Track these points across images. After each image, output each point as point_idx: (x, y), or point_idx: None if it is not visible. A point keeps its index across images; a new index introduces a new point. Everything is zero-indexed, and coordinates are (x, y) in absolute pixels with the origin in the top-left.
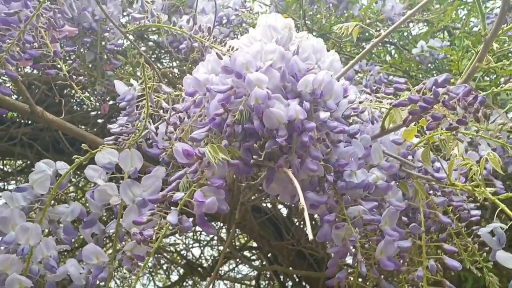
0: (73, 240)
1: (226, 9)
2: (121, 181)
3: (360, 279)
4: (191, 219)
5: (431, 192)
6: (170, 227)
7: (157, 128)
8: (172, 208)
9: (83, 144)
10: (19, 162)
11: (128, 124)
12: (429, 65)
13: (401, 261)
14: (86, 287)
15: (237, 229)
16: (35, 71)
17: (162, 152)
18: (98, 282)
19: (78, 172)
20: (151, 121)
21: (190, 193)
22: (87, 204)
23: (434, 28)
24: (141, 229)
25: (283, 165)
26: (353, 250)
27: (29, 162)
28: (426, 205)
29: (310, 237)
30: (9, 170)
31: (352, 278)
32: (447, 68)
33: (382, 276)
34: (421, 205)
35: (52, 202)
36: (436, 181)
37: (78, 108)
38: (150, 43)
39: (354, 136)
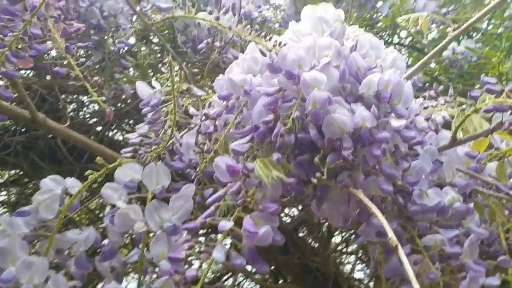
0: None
1: (248, 6)
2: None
3: None
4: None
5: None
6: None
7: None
8: (215, 238)
9: (98, 158)
10: (12, 172)
11: (151, 134)
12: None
13: None
14: None
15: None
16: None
17: (188, 166)
18: None
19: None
20: (176, 129)
21: (235, 219)
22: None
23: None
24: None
25: (350, 184)
26: None
27: (22, 172)
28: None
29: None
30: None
31: None
32: (483, 71)
33: None
34: (500, 231)
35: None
36: None
37: (73, 114)
38: (154, 47)
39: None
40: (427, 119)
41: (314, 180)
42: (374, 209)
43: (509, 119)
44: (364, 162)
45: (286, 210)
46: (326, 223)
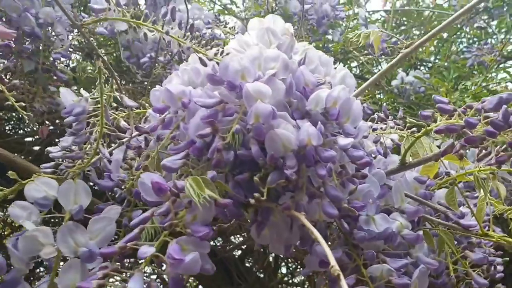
0: None
1: (197, 21)
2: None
3: None
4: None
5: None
6: None
7: (111, 154)
8: (135, 266)
9: (10, 172)
10: None
11: (74, 147)
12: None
13: None
14: None
15: None
16: None
17: (116, 185)
18: None
19: (7, 206)
20: (104, 144)
21: (160, 245)
22: None
23: (411, 61)
24: None
25: (291, 207)
26: None
27: None
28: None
29: None
30: None
31: None
32: (430, 102)
33: None
34: (449, 261)
35: None
36: (463, 231)
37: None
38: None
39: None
40: (375, 142)
41: (252, 201)
42: (316, 234)
43: (461, 142)
44: (308, 183)
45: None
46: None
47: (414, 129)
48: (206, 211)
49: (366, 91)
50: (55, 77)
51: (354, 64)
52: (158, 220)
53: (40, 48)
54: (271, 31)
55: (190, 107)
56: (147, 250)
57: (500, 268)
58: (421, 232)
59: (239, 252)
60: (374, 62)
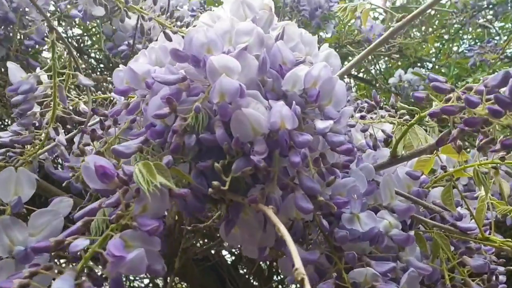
0: None
1: (181, 9)
2: None
3: None
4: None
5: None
6: None
7: (71, 140)
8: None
9: None
10: None
11: (23, 131)
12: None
13: None
14: None
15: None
16: None
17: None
18: None
19: None
20: (61, 129)
21: (104, 240)
22: None
23: (411, 60)
24: None
25: (259, 200)
26: None
27: None
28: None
29: None
30: None
31: None
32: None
33: None
34: (445, 268)
35: None
36: (460, 234)
37: None
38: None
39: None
40: (363, 131)
41: (211, 191)
42: (283, 230)
43: (459, 126)
44: (281, 173)
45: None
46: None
47: (406, 117)
48: (158, 202)
49: (363, 91)
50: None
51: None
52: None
53: (11, 34)
54: (247, 4)
55: (154, 88)
56: (80, 243)
57: (502, 278)
58: (412, 233)
59: (233, 257)
60: (371, 58)
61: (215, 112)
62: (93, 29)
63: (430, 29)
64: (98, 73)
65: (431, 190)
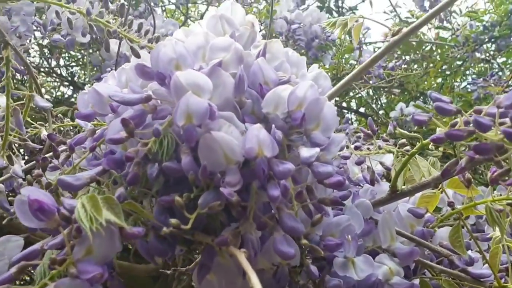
0: None
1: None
2: None
3: None
4: None
5: None
6: None
7: (30, 171)
8: None
9: None
10: None
11: None
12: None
13: None
14: None
15: None
16: None
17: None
18: None
19: None
20: (17, 158)
21: None
22: None
23: (412, 93)
24: None
25: (230, 242)
26: None
27: None
28: None
29: None
30: None
31: None
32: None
33: None
34: None
35: None
36: (473, 282)
37: None
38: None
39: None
40: (358, 164)
41: (166, 230)
42: (254, 280)
43: (468, 153)
44: (260, 210)
45: None
46: None
47: (407, 147)
48: (105, 243)
49: (361, 124)
50: None
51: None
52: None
53: None
54: (225, 19)
55: (119, 111)
56: None
57: None
58: (417, 281)
59: None
60: (372, 91)
61: (182, 138)
62: (84, 59)
63: (431, 64)
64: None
65: (437, 230)
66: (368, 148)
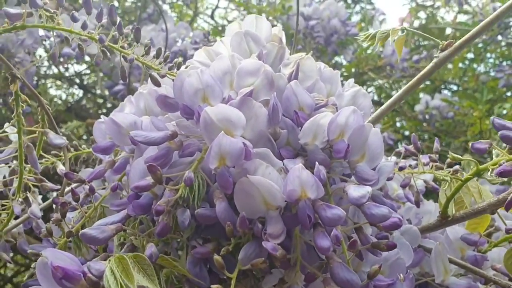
0: None
1: (183, 43)
2: None
3: None
4: None
5: None
6: None
7: (48, 210)
8: None
9: None
10: None
11: None
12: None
13: None
14: None
15: None
16: None
17: None
18: None
19: None
20: (34, 196)
21: None
22: None
23: (435, 83)
24: None
25: None
26: None
27: None
28: None
29: None
30: None
31: None
32: (462, 129)
33: None
34: None
35: None
36: None
37: None
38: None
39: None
40: (403, 186)
41: None
42: None
43: None
44: (305, 255)
45: None
46: None
47: (457, 166)
48: None
49: (385, 117)
50: None
51: (370, 89)
52: None
53: None
54: (251, 36)
55: (141, 145)
56: None
57: None
58: None
59: None
60: (393, 84)
61: (214, 179)
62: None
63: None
64: (103, 112)
65: (488, 253)
66: (410, 165)
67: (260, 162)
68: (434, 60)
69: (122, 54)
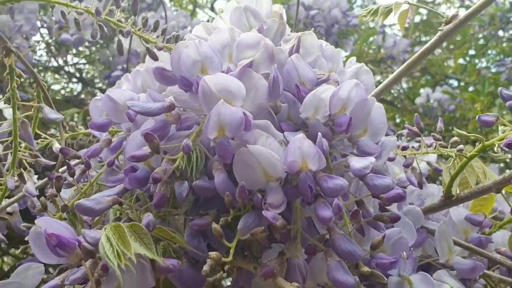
0: None
1: (183, 30)
2: None
3: None
4: None
5: None
6: None
7: (43, 188)
8: None
9: None
10: None
11: None
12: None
13: None
14: None
15: None
16: None
17: None
18: None
19: None
20: (29, 174)
21: None
22: None
23: (436, 77)
24: None
25: (277, 272)
26: None
27: None
28: None
29: None
30: None
31: None
32: (463, 122)
33: None
34: None
35: None
36: None
37: None
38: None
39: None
40: (406, 166)
41: (206, 267)
42: None
43: None
44: (305, 230)
45: None
46: None
47: (461, 146)
48: (136, 280)
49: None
50: None
51: None
52: None
53: None
54: (251, 11)
55: (137, 121)
56: None
57: None
58: None
59: None
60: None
61: (213, 150)
62: (92, 55)
63: (451, 46)
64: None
65: (493, 235)
66: (412, 147)
67: (260, 132)
68: (439, 33)
69: (118, 27)
